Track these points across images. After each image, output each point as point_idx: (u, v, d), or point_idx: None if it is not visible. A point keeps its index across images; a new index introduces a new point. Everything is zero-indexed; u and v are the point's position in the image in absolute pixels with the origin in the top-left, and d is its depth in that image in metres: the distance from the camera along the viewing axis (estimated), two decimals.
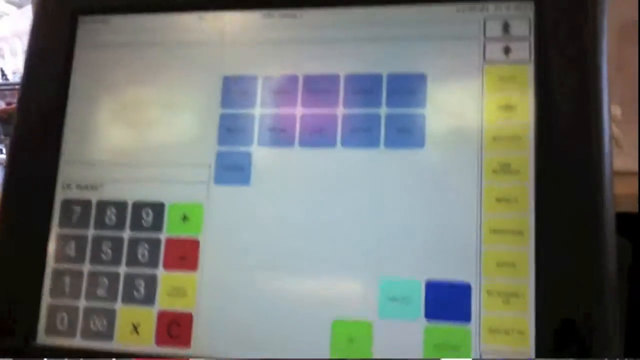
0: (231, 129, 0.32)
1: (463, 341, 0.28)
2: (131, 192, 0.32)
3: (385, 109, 0.31)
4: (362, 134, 0.30)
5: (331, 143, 0.31)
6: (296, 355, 0.29)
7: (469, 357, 0.28)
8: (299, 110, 0.32)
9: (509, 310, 0.28)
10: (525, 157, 0.29)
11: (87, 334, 0.31)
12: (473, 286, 0.28)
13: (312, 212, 0.30)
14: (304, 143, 0.31)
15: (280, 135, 0.31)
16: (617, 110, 0.48)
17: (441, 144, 0.30)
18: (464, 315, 0.28)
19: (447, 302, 0.28)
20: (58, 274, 0.32)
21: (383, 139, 0.30)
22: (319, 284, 0.29)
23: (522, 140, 0.29)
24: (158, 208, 0.32)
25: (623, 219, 0.32)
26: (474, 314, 0.28)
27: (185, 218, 0.32)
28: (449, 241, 0.29)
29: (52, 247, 0.33)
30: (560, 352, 0.27)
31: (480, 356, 0.28)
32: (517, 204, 0.29)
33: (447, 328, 0.28)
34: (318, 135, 0.31)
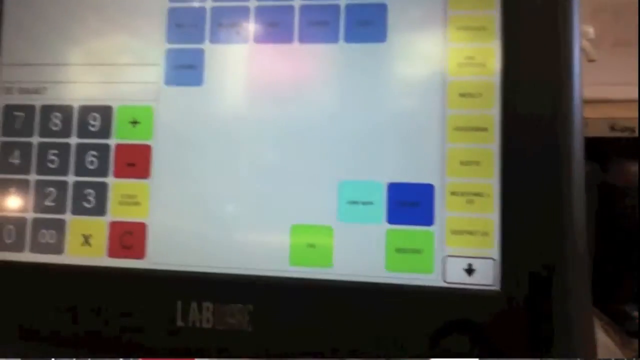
0: (180, 25, 0.30)
1: (426, 244, 0.27)
2: (77, 95, 0.30)
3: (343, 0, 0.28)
4: (321, 27, 0.28)
5: (288, 38, 0.29)
6: (257, 264, 0.28)
7: (433, 260, 0.27)
8: (252, 2, 0.29)
9: (473, 211, 0.27)
10: (491, 49, 0.27)
11: (36, 247, 0.30)
12: (436, 187, 0.27)
13: (268, 113, 0.28)
14: (259, 39, 0.29)
15: (233, 30, 0.29)
16: (589, 28, 0.47)
17: (403, 37, 0.28)
18: (427, 217, 0.27)
19: (409, 204, 0.27)
20: (2, 185, 0.30)
21: (343, 32, 0.28)
22: (276, 189, 0.28)
23: (487, 31, 0.27)
24: (106, 111, 0.30)
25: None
26: (438, 215, 0.27)
27: (134, 122, 0.30)
28: (411, 141, 0.27)
29: None
30: (525, 255, 0.26)
31: (445, 259, 0.27)
32: (481, 98, 0.27)
33: (409, 231, 0.27)
34: (274, 30, 0.29)
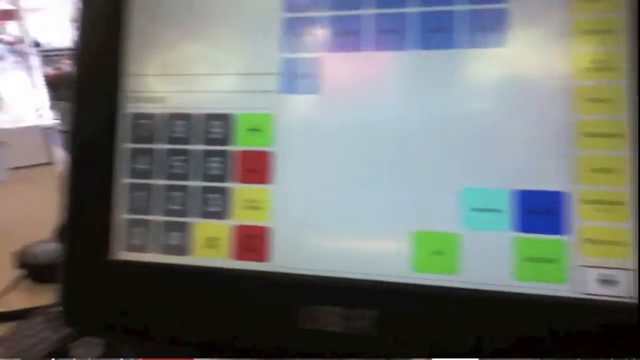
0: (296, 34, 0.30)
1: (558, 253, 0.26)
2: (199, 104, 0.31)
3: (461, 5, 0.28)
4: (440, 34, 0.28)
5: (405, 45, 0.29)
6: (380, 269, 0.28)
7: (566, 270, 0.26)
8: (367, 10, 0.30)
9: (607, 220, 0.26)
10: (619, 53, 0.26)
11: (163, 248, 0.31)
12: (567, 195, 0.26)
13: (389, 120, 0.29)
14: (374, 46, 0.29)
15: (348, 38, 0.30)
16: None
17: (525, 42, 0.27)
18: (559, 226, 0.26)
19: (539, 212, 0.27)
20: (131, 189, 0.32)
21: (463, 38, 0.28)
22: (398, 195, 0.28)
23: (614, 34, 0.26)
24: (227, 119, 0.31)
25: None
26: (571, 224, 0.26)
27: (255, 129, 0.30)
28: (536, 147, 0.27)
29: (121, 162, 0.32)
30: None
31: (579, 269, 0.26)
32: (611, 104, 0.26)
33: (540, 240, 0.26)
34: (389, 37, 0.29)
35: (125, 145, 0.32)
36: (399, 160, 0.28)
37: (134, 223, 0.32)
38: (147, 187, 0.32)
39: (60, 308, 0.49)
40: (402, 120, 0.28)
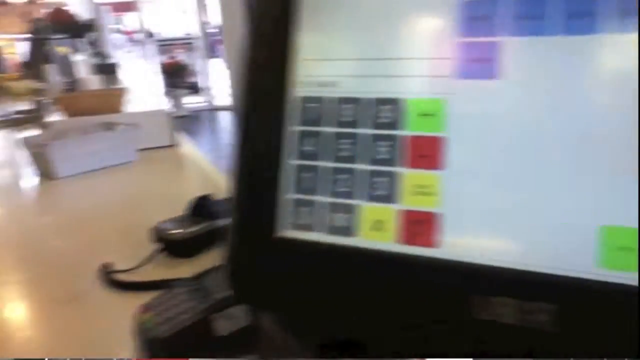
0: (475, 18, 0.30)
1: None
2: (369, 88, 0.32)
3: None
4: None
5: (598, 28, 0.27)
6: (560, 263, 0.27)
7: None
8: None
9: None
10: None
11: (328, 229, 0.32)
12: None
13: (574, 113, 0.27)
14: (560, 31, 0.28)
15: (531, 22, 0.28)
16: None
17: None
18: None
19: None
20: (299, 170, 0.33)
21: None
22: (582, 186, 0.27)
23: None
24: (398, 104, 0.31)
25: None
26: None
27: (426, 114, 0.30)
28: None
29: (289, 144, 0.33)
30: None
31: None
32: None
33: None
34: (579, 21, 0.27)
35: (294, 128, 0.33)
36: (583, 153, 0.27)
37: (300, 203, 0.33)
38: (314, 169, 0.33)
39: (198, 282, 0.52)
40: (586, 112, 0.27)
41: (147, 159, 1.33)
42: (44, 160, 1.22)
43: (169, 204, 1.02)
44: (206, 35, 6.44)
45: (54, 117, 1.52)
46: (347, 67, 0.33)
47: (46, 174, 1.23)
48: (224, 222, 0.77)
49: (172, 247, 0.75)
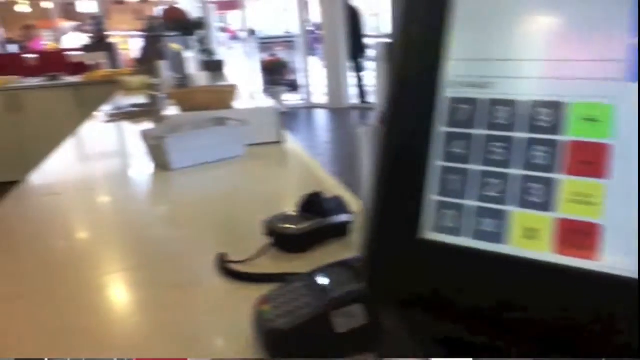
0: None
1: None
2: (526, 90, 0.31)
3: None
4: None
5: None
6: None
7: None
8: None
9: None
10: None
11: (474, 234, 0.31)
12: None
13: None
14: None
15: None
16: None
17: None
18: None
19: None
20: (445, 172, 0.32)
21: None
22: None
23: None
24: (558, 107, 0.29)
25: None
26: None
27: (591, 119, 0.29)
28: None
29: (436, 145, 0.33)
30: None
31: None
32: None
33: None
34: None
35: (442, 129, 0.33)
36: None
37: (444, 205, 0.32)
38: (462, 172, 0.32)
39: (313, 278, 0.53)
40: None
41: (254, 154, 1.37)
42: (160, 152, 1.29)
43: (276, 199, 1.05)
44: (306, 33, 6.56)
45: (169, 111, 1.61)
46: (502, 68, 0.31)
47: (162, 165, 1.30)
48: (334, 219, 0.78)
49: (284, 241, 0.77)
